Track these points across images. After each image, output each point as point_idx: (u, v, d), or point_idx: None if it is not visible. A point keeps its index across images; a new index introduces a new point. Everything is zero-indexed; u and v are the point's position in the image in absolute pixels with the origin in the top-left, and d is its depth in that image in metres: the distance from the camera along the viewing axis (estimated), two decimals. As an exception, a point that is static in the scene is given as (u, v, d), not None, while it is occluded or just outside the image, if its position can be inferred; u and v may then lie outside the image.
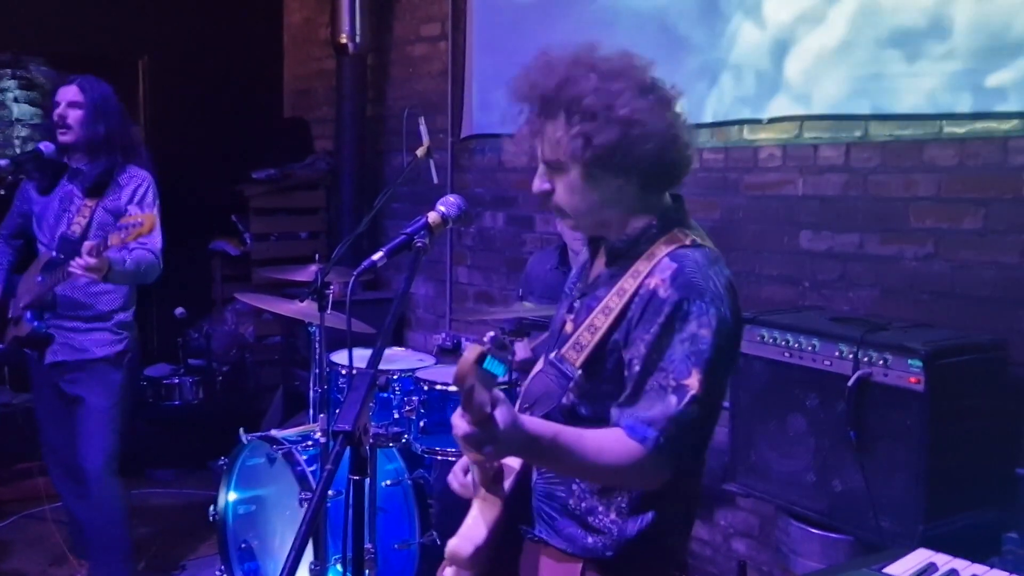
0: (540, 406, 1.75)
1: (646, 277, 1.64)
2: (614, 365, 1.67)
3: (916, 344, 2.53)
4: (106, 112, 3.32)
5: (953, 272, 2.98)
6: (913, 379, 2.50)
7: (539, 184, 1.73)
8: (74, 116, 3.29)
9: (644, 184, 1.68)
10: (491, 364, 1.42)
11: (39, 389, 3.52)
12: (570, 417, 1.71)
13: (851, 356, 2.64)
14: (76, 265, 2.97)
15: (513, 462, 1.77)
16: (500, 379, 1.49)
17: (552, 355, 1.78)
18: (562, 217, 1.76)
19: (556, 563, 1.75)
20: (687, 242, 1.68)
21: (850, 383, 2.61)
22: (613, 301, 1.67)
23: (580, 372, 1.69)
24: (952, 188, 2.98)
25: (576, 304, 1.80)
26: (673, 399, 1.57)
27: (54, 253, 3.29)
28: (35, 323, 3.29)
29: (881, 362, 2.58)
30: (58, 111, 3.29)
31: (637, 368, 1.61)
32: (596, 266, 1.81)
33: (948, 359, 2.54)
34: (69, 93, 3.31)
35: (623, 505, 1.70)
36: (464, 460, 1.85)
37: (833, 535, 2.73)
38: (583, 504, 1.73)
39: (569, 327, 1.78)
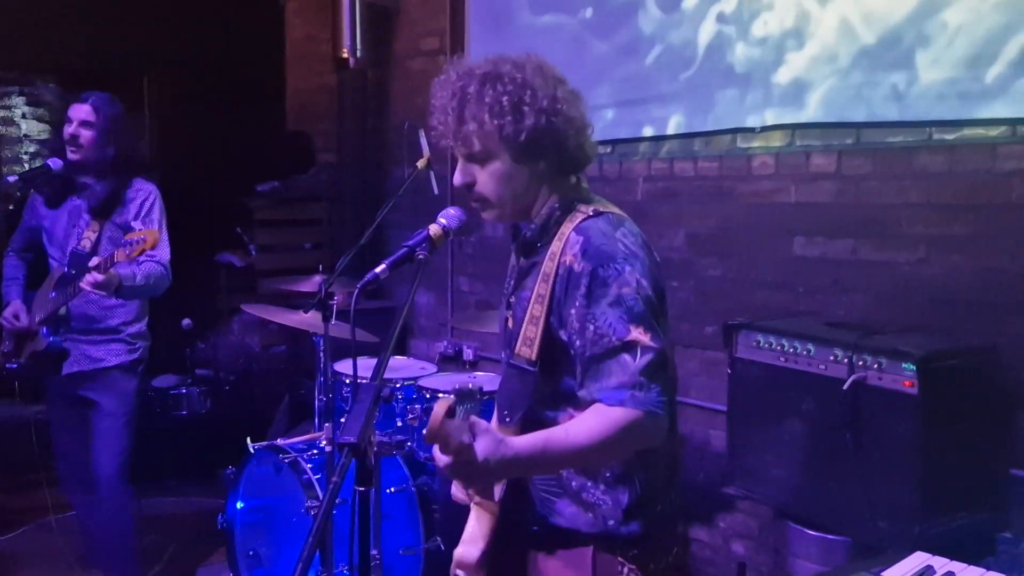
0: (516, 408, 1.78)
1: (560, 255, 1.73)
2: (558, 348, 1.73)
3: (910, 348, 2.53)
4: (117, 133, 3.33)
5: (945, 277, 2.98)
6: (907, 382, 2.50)
7: (459, 178, 1.82)
8: (86, 136, 3.29)
9: (561, 167, 1.79)
10: (458, 417, 1.49)
11: (54, 399, 3.53)
12: (540, 403, 1.77)
13: (846, 360, 2.64)
14: (85, 281, 2.98)
15: None
16: (475, 406, 1.53)
17: (507, 357, 1.83)
18: (485, 208, 1.83)
19: (566, 551, 1.80)
20: (589, 212, 1.77)
21: (845, 387, 2.61)
22: (541, 288, 1.75)
23: (537, 364, 1.74)
24: (943, 194, 2.98)
25: (512, 300, 1.88)
26: (627, 357, 1.63)
27: (66, 269, 3.30)
28: (51, 338, 3.31)
29: (875, 366, 2.58)
30: (70, 129, 3.29)
31: (578, 343, 1.69)
32: (520, 261, 1.89)
33: (941, 363, 2.53)
34: (82, 112, 3.31)
35: (608, 476, 1.77)
36: None
37: (830, 536, 2.73)
38: (573, 483, 1.79)
39: (510, 323, 1.86)
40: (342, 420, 3.35)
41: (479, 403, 1.57)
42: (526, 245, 1.84)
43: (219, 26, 5.97)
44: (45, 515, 4.04)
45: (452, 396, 1.52)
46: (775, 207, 3.46)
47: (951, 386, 2.55)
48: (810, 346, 2.75)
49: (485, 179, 1.79)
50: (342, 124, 5.45)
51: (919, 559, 1.92)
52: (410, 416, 3.29)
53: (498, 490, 1.78)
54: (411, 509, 3.36)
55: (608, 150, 4.19)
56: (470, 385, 1.57)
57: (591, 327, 1.66)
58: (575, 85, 1.82)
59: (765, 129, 3.46)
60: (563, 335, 1.72)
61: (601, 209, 1.78)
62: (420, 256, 1.77)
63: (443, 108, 1.78)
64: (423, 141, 3.88)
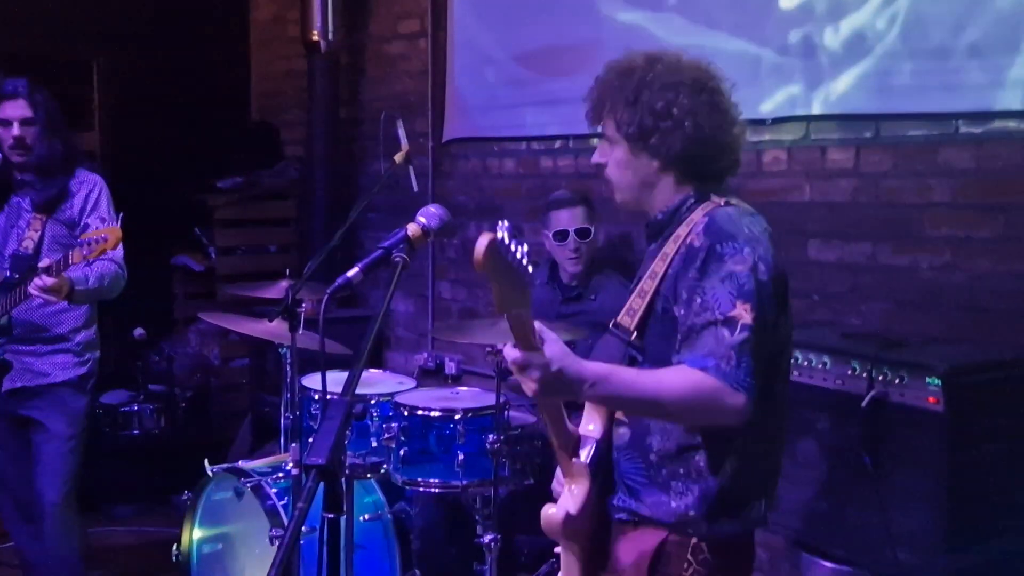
0: None
1: (685, 238, 1.88)
2: (665, 321, 1.88)
3: (934, 361, 2.54)
4: (57, 125, 3.31)
5: (972, 283, 2.99)
6: (931, 399, 2.51)
7: (597, 156, 2.04)
8: (31, 136, 3.27)
9: (683, 173, 1.95)
10: (506, 259, 1.54)
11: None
12: None
13: (864, 374, 2.65)
14: (35, 287, 2.96)
15: (592, 431, 1.97)
16: (525, 266, 1.59)
17: (612, 326, 2.00)
18: (611, 190, 2.05)
19: (640, 534, 1.93)
20: (721, 203, 1.92)
21: (864, 404, 2.61)
22: (658, 266, 1.91)
23: (635, 334, 1.91)
24: (970, 193, 3.00)
25: (637, 286, 2.02)
26: (725, 331, 1.75)
27: (8, 273, 3.27)
28: None
29: (897, 381, 2.59)
30: (13, 132, 3.25)
31: (683, 313, 1.83)
32: (649, 248, 2.05)
33: (969, 377, 2.54)
34: (18, 108, 3.27)
35: (701, 464, 1.87)
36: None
37: (847, 568, 2.73)
38: (663, 470, 1.89)
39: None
40: (310, 440, 3.34)
41: (525, 258, 1.61)
42: (654, 228, 2.00)
43: (177, 5, 5.95)
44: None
45: (503, 231, 1.58)
46: (787, 206, 3.47)
47: (980, 402, 2.56)
48: (825, 359, 2.76)
49: (612, 162, 2.00)
50: (312, 114, 5.44)
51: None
52: (386, 436, 3.28)
53: (586, 454, 1.93)
54: (386, 538, 3.35)
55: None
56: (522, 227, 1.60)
57: (698, 299, 1.80)
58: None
59: (777, 121, 3.47)
60: (676, 311, 1.85)
61: (733, 201, 1.93)
62: (397, 259, 1.78)
63: (592, 88, 2.01)
64: (401, 133, 3.88)
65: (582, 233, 3.75)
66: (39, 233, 3.27)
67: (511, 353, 1.70)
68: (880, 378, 2.62)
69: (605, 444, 1.97)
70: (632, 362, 1.92)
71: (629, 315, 1.94)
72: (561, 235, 3.76)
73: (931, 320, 3.07)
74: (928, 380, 2.51)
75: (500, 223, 1.59)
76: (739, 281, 1.78)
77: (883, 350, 2.67)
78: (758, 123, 3.53)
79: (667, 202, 1.97)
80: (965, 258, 3.01)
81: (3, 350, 3.29)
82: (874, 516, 2.62)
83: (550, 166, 4.50)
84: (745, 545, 1.98)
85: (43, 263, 2.99)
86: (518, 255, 1.59)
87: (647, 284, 1.93)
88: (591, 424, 2.00)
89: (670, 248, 1.91)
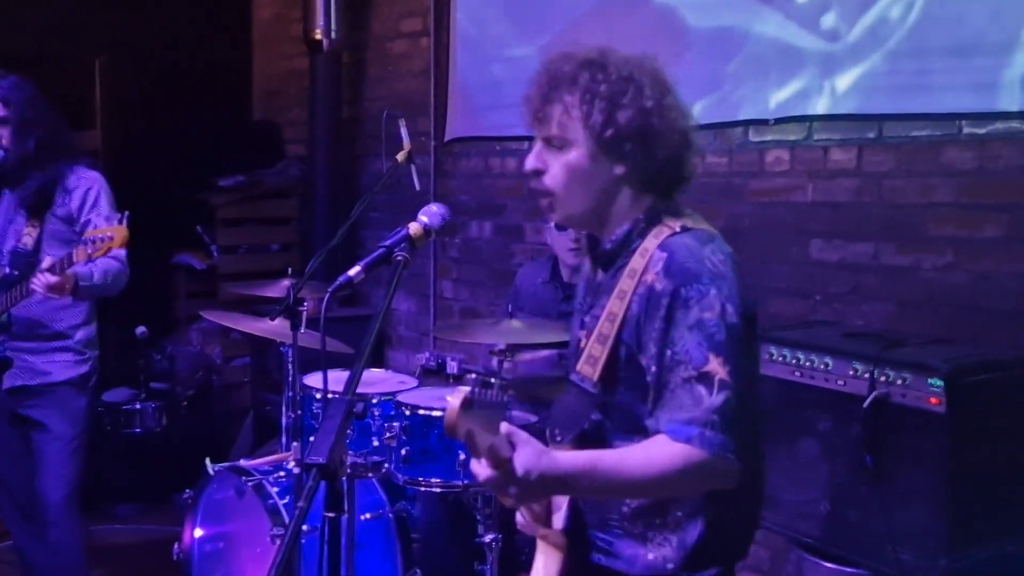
0: (568, 429, 1.80)
1: (642, 274, 1.72)
2: (629, 370, 1.74)
3: (937, 362, 2.53)
4: (34, 121, 3.26)
5: (974, 283, 2.99)
6: (934, 400, 2.50)
7: (532, 161, 1.79)
8: (6, 136, 3.26)
9: (643, 183, 1.77)
10: (480, 406, 1.45)
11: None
12: (600, 433, 1.79)
13: (866, 375, 2.64)
14: (38, 284, 2.96)
15: (560, 497, 1.83)
16: (504, 412, 1.51)
17: (571, 372, 1.85)
18: (552, 206, 1.80)
19: None
20: (676, 228, 1.75)
21: (865, 404, 2.61)
22: (615, 305, 1.74)
23: (599, 385, 1.76)
24: (973, 193, 3.00)
25: (587, 319, 1.87)
26: (702, 390, 1.63)
27: (7, 270, 3.27)
28: None
29: (899, 381, 2.58)
30: None
31: (655, 369, 1.69)
32: (597, 275, 1.87)
33: (971, 378, 2.53)
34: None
35: (679, 514, 1.75)
36: None
37: (848, 569, 2.72)
38: (638, 523, 1.78)
39: (583, 343, 1.84)
40: (311, 439, 3.34)
41: (502, 400, 1.55)
42: (604, 258, 1.82)
43: (179, 4, 5.95)
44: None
45: (471, 387, 1.50)
46: (790, 206, 3.47)
47: (982, 403, 2.55)
48: (827, 359, 2.76)
49: (557, 170, 1.75)
50: (314, 113, 5.44)
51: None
52: (387, 435, 3.28)
53: (559, 519, 1.81)
54: (388, 538, 3.35)
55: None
56: (488, 377, 1.57)
57: (668, 351, 1.66)
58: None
59: (780, 121, 3.47)
60: (643, 361, 1.71)
61: (690, 224, 1.76)
62: (399, 257, 1.76)
63: (532, 83, 1.77)
64: (403, 132, 3.87)
65: None
66: (38, 229, 3.27)
67: (482, 473, 1.56)
68: (882, 379, 2.61)
69: (575, 503, 1.84)
70: (596, 423, 1.79)
71: (590, 364, 1.76)
72: (562, 225, 3.75)
73: (933, 321, 3.06)
74: (930, 381, 2.51)
75: (463, 386, 1.52)
76: (709, 331, 1.64)
77: (885, 351, 2.66)
78: (761, 123, 3.53)
79: (620, 221, 1.79)
80: (968, 258, 3.00)
81: (3, 348, 3.28)
82: (876, 517, 2.62)
83: (552, 165, 4.49)
84: None
85: (45, 263, 2.98)
86: (488, 397, 1.51)
87: (606, 327, 1.75)
88: None
89: (626, 285, 1.73)
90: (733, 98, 3.61)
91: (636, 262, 1.73)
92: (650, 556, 1.77)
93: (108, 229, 2.98)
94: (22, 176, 3.29)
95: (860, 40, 3.21)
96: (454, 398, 1.46)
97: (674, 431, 1.63)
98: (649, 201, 1.78)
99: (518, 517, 1.90)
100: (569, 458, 1.62)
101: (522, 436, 1.57)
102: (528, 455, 1.55)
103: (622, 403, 1.75)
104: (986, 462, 2.54)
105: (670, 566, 1.76)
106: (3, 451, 3.47)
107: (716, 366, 1.63)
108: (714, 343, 1.64)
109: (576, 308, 1.97)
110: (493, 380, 1.55)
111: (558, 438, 1.81)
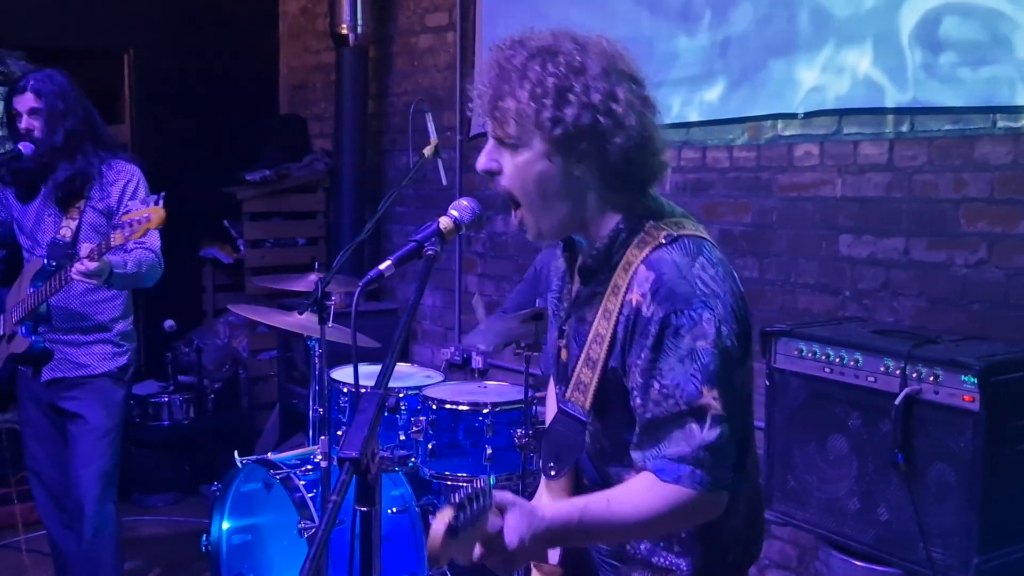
0: (565, 460, 1.74)
1: (626, 293, 1.60)
2: (619, 395, 1.65)
3: (969, 359, 2.51)
4: (64, 113, 3.29)
5: (1008, 280, 2.95)
6: (967, 397, 2.48)
7: (485, 162, 1.67)
8: (38, 127, 3.29)
9: (607, 182, 1.63)
10: (464, 527, 1.41)
11: (28, 408, 3.51)
12: (600, 457, 1.74)
13: (898, 372, 2.62)
14: (75, 271, 2.99)
15: None
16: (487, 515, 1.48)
17: (560, 398, 1.77)
18: (515, 207, 1.70)
19: None
20: (661, 239, 1.62)
21: (897, 401, 2.59)
22: (602, 326, 1.64)
23: (591, 414, 1.68)
24: (1006, 188, 2.96)
25: (565, 328, 1.78)
26: (694, 426, 1.54)
27: (45, 261, 3.30)
28: (32, 338, 3.28)
29: (931, 378, 2.56)
30: (23, 124, 3.29)
31: (640, 401, 1.59)
32: (575, 282, 1.76)
33: (1005, 375, 2.51)
34: (27, 101, 3.29)
35: (683, 535, 1.69)
36: None
37: (879, 568, 2.71)
38: (641, 547, 1.72)
39: (564, 355, 1.78)
40: (339, 433, 3.35)
41: (486, 503, 1.48)
42: (586, 272, 1.70)
43: (207, -2, 5.99)
44: (13, 534, 4.06)
45: (451, 509, 1.41)
46: (819, 201, 3.45)
47: (1016, 401, 2.53)
48: (858, 356, 2.74)
49: (511, 170, 1.64)
50: (340, 107, 5.45)
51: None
52: (414, 429, 3.29)
53: (554, 553, 1.76)
54: (414, 532, 3.36)
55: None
56: (479, 489, 1.50)
57: (656, 384, 1.56)
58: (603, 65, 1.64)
59: (809, 115, 3.44)
60: (628, 384, 1.63)
61: (675, 233, 1.62)
62: (429, 252, 1.74)
63: (481, 76, 1.64)
64: (430, 125, 3.88)
65: None
66: (76, 221, 3.30)
67: (475, 553, 1.51)
68: (914, 376, 2.60)
69: None
70: (601, 446, 1.72)
71: (580, 391, 1.66)
72: None
73: (966, 317, 3.03)
74: (963, 378, 2.49)
75: (443, 511, 1.42)
76: (703, 360, 1.53)
77: (917, 347, 2.64)
78: (790, 117, 3.51)
79: (594, 235, 1.67)
80: (1001, 254, 2.97)
81: (43, 339, 3.31)
82: (907, 515, 2.60)
83: (578, 160, 4.47)
84: None
85: (84, 250, 3.00)
86: (472, 510, 1.44)
87: (594, 351, 1.64)
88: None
89: (612, 304, 1.62)
90: (762, 92, 3.58)
91: (619, 277, 1.62)
92: None
93: (145, 210, 3.00)
94: (52, 168, 3.32)
95: (891, 32, 3.18)
96: (437, 525, 1.40)
97: (662, 470, 1.56)
98: (623, 199, 1.65)
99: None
100: (557, 511, 1.57)
101: (508, 499, 1.52)
102: (516, 522, 1.51)
103: (615, 429, 1.68)
104: (1019, 460, 2.52)
105: None
106: (39, 442, 3.50)
107: (710, 400, 1.54)
108: (708, 374, 1.54)
109: (551, 311, 1.88)
110: (478, 496, 1.48)
111: (552, 472, 1.75)
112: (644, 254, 1.61)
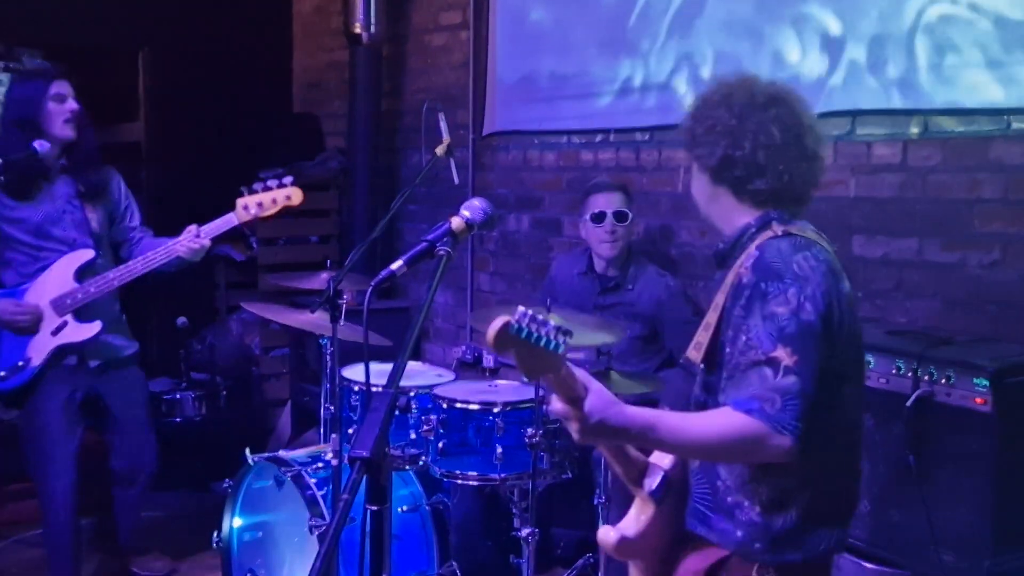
0: (676, 407, 1.97)
1: (738, 269, 1.89)
2: (723, 355, 1.89)
3: (982, 360, 2.50)
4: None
5: (1022, 281, 2.94)
6: (979, 399, 2.47)
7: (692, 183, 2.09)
8: (83, 115, 3.38)
9: (754, 202, 1.96)
10: (526, 333, 1.52)
11: (52, 409, 3.50)
12: (702, 410, 1.94)
13: (910, 373, 2.62)
14: (184, 247, 3.30)
15: (661, 461, 1.98)
16: (556, 350, 1.58)
17: (680, 359, 2.08)
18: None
19: (706, 552, 1.95)
20: (778, 232, 1.90)
21: (909, 403, 2.59)
22: (719, 298, 1.92)
23: (703, 367, 1.95)
24: (1021, 189, 2.95)
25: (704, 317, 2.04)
26: (768, 371, 1.76)
27: (92, 253, 3.41)
28: (90, 324, 3.40)
29: (943, 380, 2.56)
30: (70, 106, 3.34)
31: (728, 350, 1.86)
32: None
33: (1018, 377, 2.51)
34: (68, 86, 3.37)
35: (764, 498, 1.87)
36: None
37: (890, 570, 2.70)
38: (728, 499, 1.91)
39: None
40: (350, 431, 3.36)
41: (558, 340, 1.58)
42: (718, 256, 2.02)
43: (221, -3, 6.01)
44: (30, 528, 4.08)
45: (517, 315, 1.55)
46: (832, 201, 3.44)
47: (1029, 404, 2.52)
48: (870, 357, 2.73)
49: (694, 189, 2.06)
50: (354, 105, 5.46)
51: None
52: (425, 427, 3.29)
53: (650, 482, 1.95)
54: (424, 530, 3.37)
55: (646, 137, 4.18)
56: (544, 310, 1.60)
57: (743, 337, 1.81)
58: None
59: (822, 115, 3.42)
60: (723, 338, 1.89)
61: (793, 231, 1.90)
62: (441, 251, 1.77)
63: (689, 109, 2.03)
64: (443, 124, 3.88)
65: (620, 216, 3.74)
66: (97, 214, 3.45)
67: (553, 405, 1.73)
68: (926, 377, 2.59)
69: (679, 470, 1.98)
70: (699, 403, 1.96)
71: (696, 349, 1.96)
72: (599, 216, 3.75)
73: (979, 319, 3.02)
74: (976, 380, 2.48)
75: (517, 310, 1.57)
76: (780, 323, 1.78)
77: (929, 349, 2.64)
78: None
79: (730, 228, 2.00)
80: (1015, 255, 2.96)
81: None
82: (919, 517, 2.59)
83: (591, 159, 4.49)
84: (818, 568, 1.95)
85: (193, 229, 3.32)
86: (540, 334, 1.57)
87: (711, 316, 1.94)
88: (665, 458, 2.00)
89: (730, 279, 1.92)
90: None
91: (741, 258, 1.91)
92: (738, 533, 1.88)
93: (284, 190, 3.15)
94: (85, 162, 3.44)
95: (906, 33, 3.17)
96: (496, 321, 1.53)
97: (737, 403, 1.76)
98: (763, 212, 1.95)
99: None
100: (635, 411, 1.75)
101: (594, 384, 1.72)
102: (597, 400, 1.70)
103: (717, 384, 1.90)
104: (1032, 463, 2.51)
105: (757, 545, 1.87)
106: (61, 445, 3.53)
107: (784, 355, 1.75)
108: (784, 335, 1.76)
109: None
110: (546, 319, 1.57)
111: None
112: (758, 242, 1.90)
